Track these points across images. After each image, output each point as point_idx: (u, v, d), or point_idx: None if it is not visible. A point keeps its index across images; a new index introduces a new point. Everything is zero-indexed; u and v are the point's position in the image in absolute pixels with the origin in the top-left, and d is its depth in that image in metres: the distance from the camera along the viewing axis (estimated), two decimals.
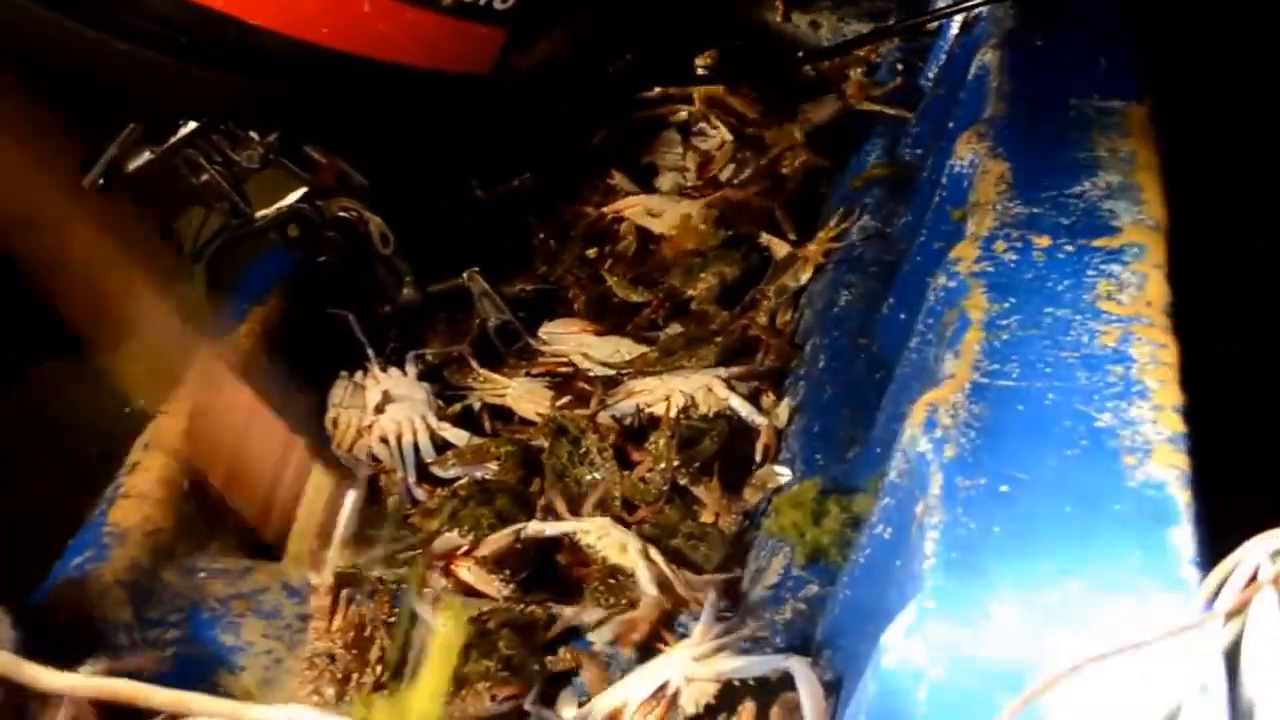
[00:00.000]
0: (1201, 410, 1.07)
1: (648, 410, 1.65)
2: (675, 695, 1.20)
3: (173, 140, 1.75)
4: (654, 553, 1.42)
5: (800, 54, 2.29)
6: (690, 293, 1.87)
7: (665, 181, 2.12)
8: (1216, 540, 0.97)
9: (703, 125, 2.22)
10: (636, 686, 1.23)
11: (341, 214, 1.75)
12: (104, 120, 1.76)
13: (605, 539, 1.45)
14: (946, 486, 1.04)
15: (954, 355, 1.18)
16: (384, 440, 1.64)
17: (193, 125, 1.74)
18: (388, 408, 1.66)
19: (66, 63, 1.55)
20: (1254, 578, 0.86)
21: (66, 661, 1.14)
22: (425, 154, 1.82)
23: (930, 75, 2.15)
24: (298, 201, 1.76)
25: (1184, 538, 0.97)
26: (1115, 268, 1.25)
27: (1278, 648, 0.83)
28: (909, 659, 0.93)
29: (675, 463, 1.53)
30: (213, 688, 1.21)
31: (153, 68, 1.52)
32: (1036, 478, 1.03)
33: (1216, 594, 0.88)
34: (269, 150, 1.75)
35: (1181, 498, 1.00)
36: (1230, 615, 0.87)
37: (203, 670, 1.29)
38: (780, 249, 1.92)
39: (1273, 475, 1.40)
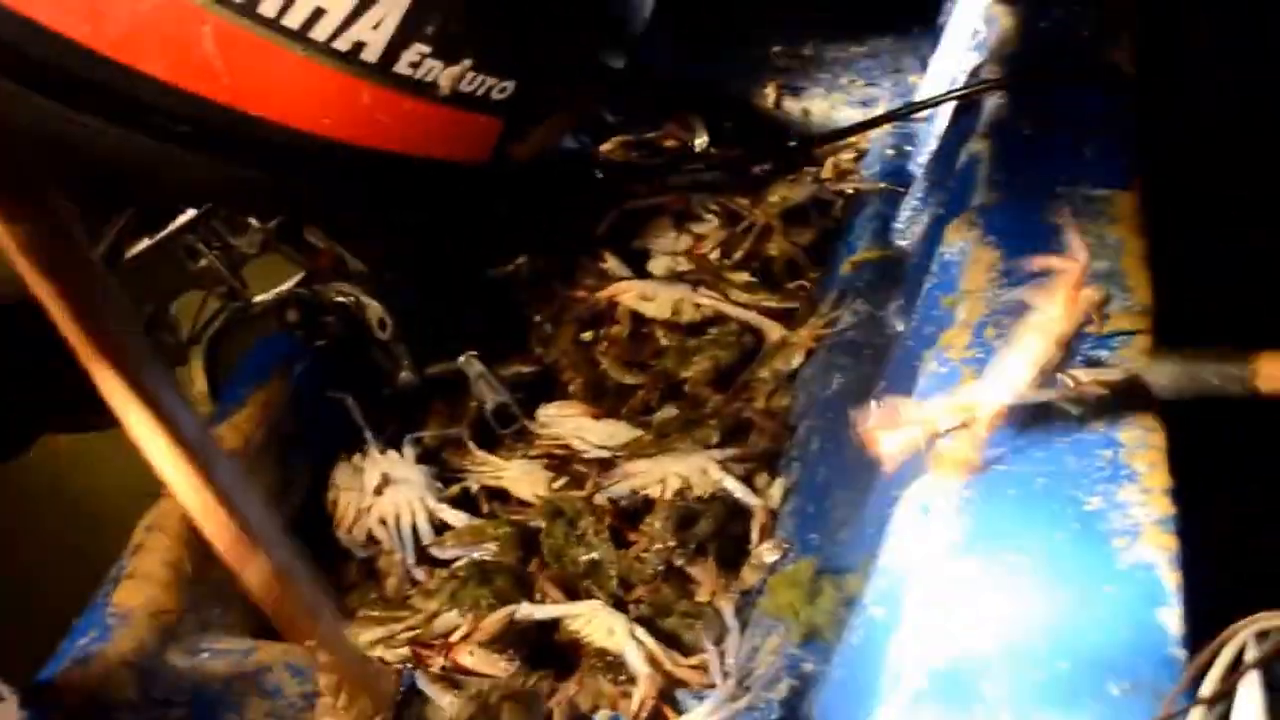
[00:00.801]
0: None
1: (643, 493, 1.68)
2: None
3: (172, 226, 1.81)
4: (640, 632, 1.46)
5: (793, 141, 2.33)
6: (684, 375, 1.91)
7: (658, 265, 2.16)
8: (1206, 621, 1.01)
9: (698, 210, 2.26)
10: None
11: (339, 299, 1.80)
12: (102, 207, 1.81)
13: (594, 622, 1.50)
14: (938, 569, 1.08)
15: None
16: (383, 522, 1.68)
17: (192, 212, 1.79)
18: (386, 490, 1.70)
19: (66, 150, 1.59)
20: (1240, 660, 0.90)
21: None
22: (423, 241, 1.87)
23: (920, 161, 2.20)
24: (296, 286, 1.80)
25: (1173, 617, 1.01)
26: (1103, 354, 1.29)
27: None
28: None
29: (671, 544, 1.57)
30: None
31: (154, 156, 1.55)
32: (1027, 561, 1.07)
33: (1202, 676, 0.92)
34: (267, 236, 1.80)
35: (1171, 579, 1.04)
36: (1213, 702, 0.90)
37: None
38: (773, 332, 1.96)
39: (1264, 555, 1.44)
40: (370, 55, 1.52)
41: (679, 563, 1.57)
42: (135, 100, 1.48)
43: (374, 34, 1.50)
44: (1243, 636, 0.90)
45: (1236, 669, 0.89)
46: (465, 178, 1.75)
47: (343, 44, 1.50)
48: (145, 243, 1.82)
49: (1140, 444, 1.17)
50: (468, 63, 1.58)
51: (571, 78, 1.79)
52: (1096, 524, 1.10)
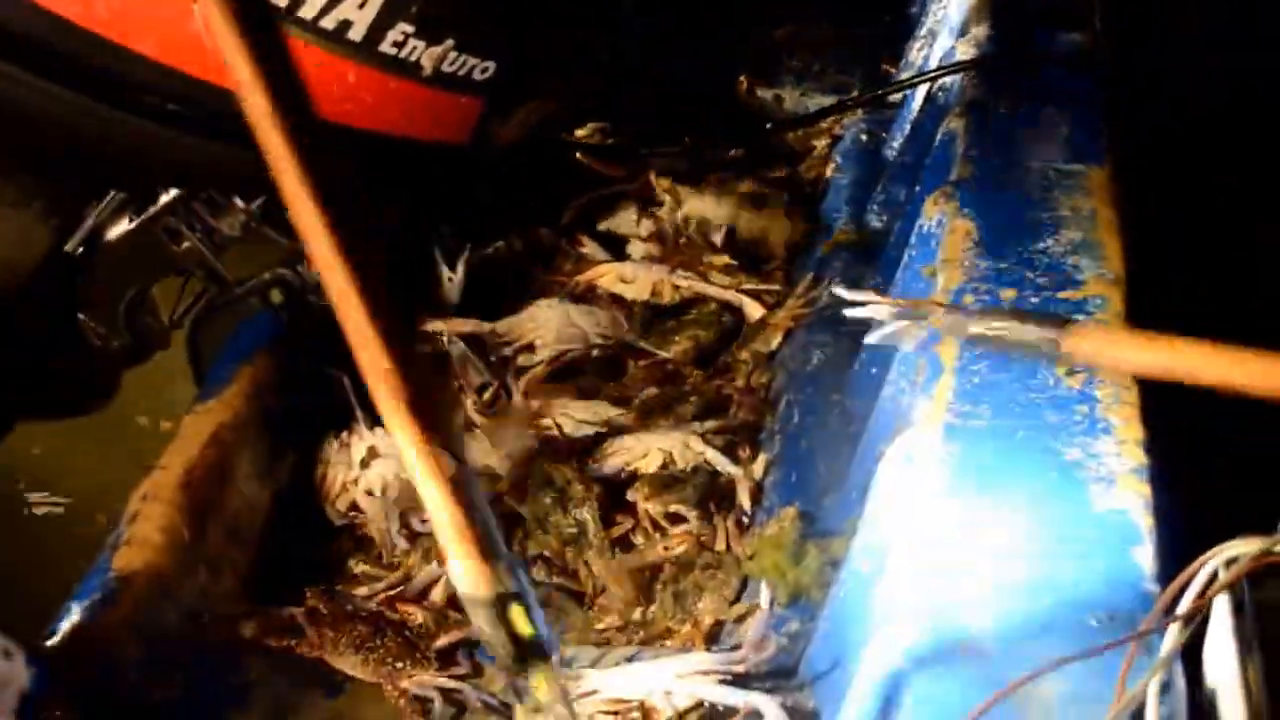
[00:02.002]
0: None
1: (630, 469, 1.75)
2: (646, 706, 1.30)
3: (154, 208, 1.85)
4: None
5: (768, 125, 2.40)
6: (665, 355, 1.98)
7: (636, 249, 2.22)
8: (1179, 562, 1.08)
9: (663, 196, 2.31)
10: (614, 681, 1.33)
11: None
12: (85, 189, 1.85)
13: None
14: (925, 516, 1.15)
15: (928, 398, 1.29)
16: (369, 493, 1.73)
17: (174, 193, 1.84)
18: (373, 463, 1.75)
19: (50, 129, 1.62)
20: (1211, 584, 0.97)
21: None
22: (405, 220, 1.92)
23: (894, 145, 2.27)
24: (280, 267, 1.85)
25: (1147, 556, 1.08)
26: (1079, 318, 1.36)
27: (1232, 646, 0.94)
28: (894, 669, 1.04)
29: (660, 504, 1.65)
30: None
31: (139, 135, 1.60)
32: (1009, 507, 1.14)
33: (1175, 602, 0.99)
34: (250, 217, 1.85)
35: (1144, 522, 1.11)
36: (1189, 619, 0.97)
37: (212, 706, 1.38)
38: (753, 311, 2.02)
39: (1235, 490, 1.51)
40: (356, 34, 1.57)
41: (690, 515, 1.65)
42: (125, 79, 1.53)
43: (360, 13, 1.56)
44: (1213, 564, 0.97)
45: (1207, 594, 0.96)
46: (445, 159, 1.81)
47: (329, 22, 1.56)
48: (126, 226, 1.85)
49: (1115, 399, 1.24)
50: (450, 42, 1.64)
51: (552, 60, 1.85)
52: (1074, 473, 1.17)
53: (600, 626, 1.61)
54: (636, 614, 1.59)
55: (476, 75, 1.71)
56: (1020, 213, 1.56)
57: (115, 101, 1.57)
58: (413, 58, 1.63)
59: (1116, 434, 1.20)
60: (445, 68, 1.67)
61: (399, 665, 1.43)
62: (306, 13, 1.54)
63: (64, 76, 1.53)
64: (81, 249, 1.88)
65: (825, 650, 1.32)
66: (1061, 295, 1.40)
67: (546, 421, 1.83)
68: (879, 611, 1.15)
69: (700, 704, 1.35)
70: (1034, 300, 1.40)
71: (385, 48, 1.60)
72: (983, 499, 1.15)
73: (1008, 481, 1.17)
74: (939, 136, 1.81)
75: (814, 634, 1.36)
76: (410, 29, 1.60)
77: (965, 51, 1.99)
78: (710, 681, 1.34)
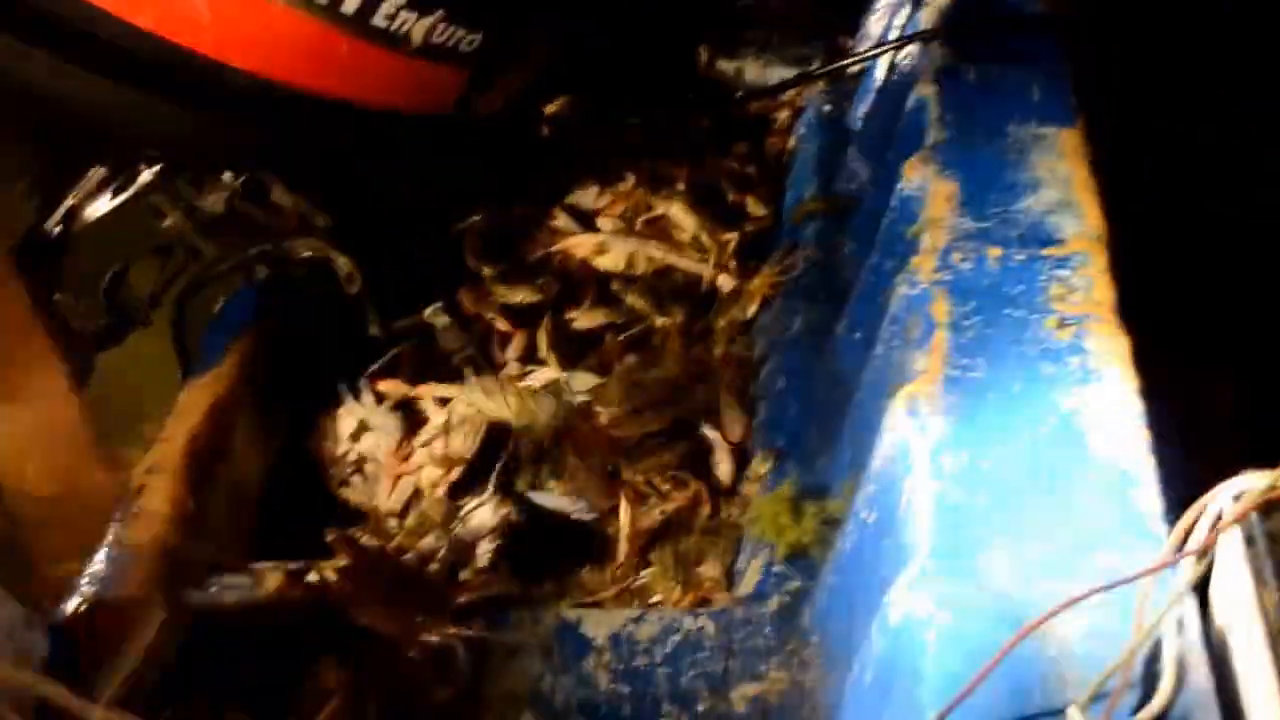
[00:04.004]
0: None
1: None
2: None
3: (136, 185, 1.86)
4: None
5: (735, 97, 2.43)
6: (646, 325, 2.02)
7: (607, 221, 2.25)
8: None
9: (622, 171, 2.34)
10: None
11: (308, 254, 1.87)
12: (64, 165, 1.86)
13: None
14: (933, 463, 1.19)
15: (924, 353, 1.34)
16: (360, 466, 1.76)
17: (156, 170, 1.85)
18: (363, 436, 1.78)
19: (27, 96, 1.63)
20: (1219, 519, 1.02)
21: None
22: (385, 193, 1.94)
23: (859, 114, 2.31)
24: (264, 243, 1.87)
25: (1152, 497, 1.13)
26: (1064, 273, 1.41)
27: (1244, 581, 0.99)
28: (915, 610, 1.08)
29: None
30: None
31: (120, 104, 1.61)
32: (1014, 453, 1.19)
33: (1187, 538, 1.04)
34: (233, 194, 1.87)
35: (1147, 464, 1.16)
36: (1200, 554, 1.02)
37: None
38: (728, 282, 2.06)
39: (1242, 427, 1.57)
40: (349, 7, 1.60)
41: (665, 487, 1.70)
42: (113, 48, 1.54)
43: None
44: (1221, 499, 1.02)
45: (1216, 528, 1.01)
46: (427, 129, 1.83)
47: None
48: (107, 204, 1.86)
49: (1107, 351, 1.29)
50: (440, 13, 1.66)
51: (536, 29, 1.87)
52: (1074, 420, 1.22)
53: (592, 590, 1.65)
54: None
55: (463, 46, 1.73)
56: (999, 174, 1.60)
57: (103, 70, 1.57)
58: (404, 30, 1.65)
59: (1111, 382, 1.25)
60: (434, 39, 1.69)
61: (419, 620, 1.46)
62: None
63: (51, 43, 1.54)
64: (60, 227, 1.88)
65: (834, 602, 1.36)
66: (1045, 252, 1.45)
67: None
68: (891, 558, 1.20)
69: None
70: (1019, 257, 1.45)
71: (378, 21, 1.62)
72: (988, 448, 1.20)
73: (1010, 431, 1.22)
74: (910, 103, 1.85)
75: (819, 588, 1.40)
76: (403, 1, 1.62)
77: (929, 19, 2.04)
78: None
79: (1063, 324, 1.33)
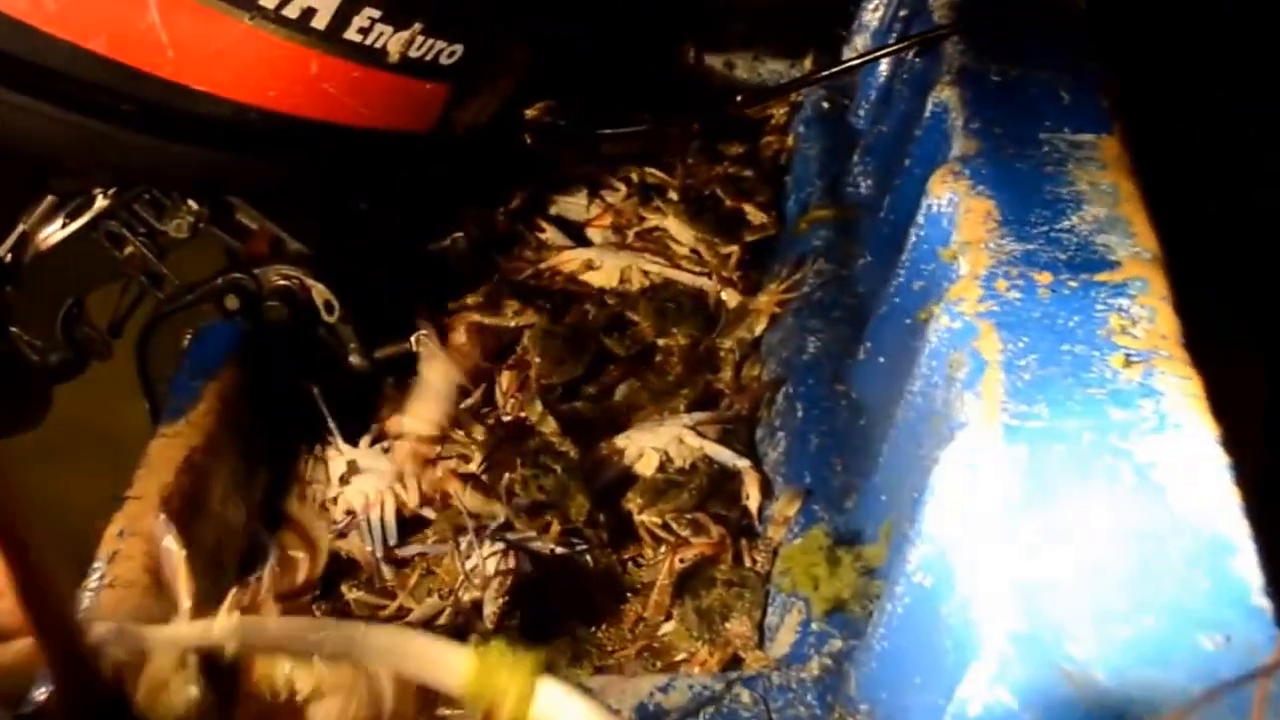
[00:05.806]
0: None
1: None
2: None
3: (92, 211, 1.75)
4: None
5: (736, 98, 2.31)
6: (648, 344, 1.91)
7: (597, 234, 2.15)
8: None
9: (610, 179, 2.24)
10: None
11: (282, 282, 1.75)
12: (16, 193, 1.76)
13: None
14: (1002, 529, 1.09)
15: (975, 396, 1.23)
16: (349, 513, 1.65)
17: (113, 195, 1.74)
18: (353, 480, 1.67)
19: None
20: None
21: None
22: (365, 216, 1.84)
23: (862, 113, 2.21)
24: (234, 271, 1.75)
25: (1250, 566, 1.03)
26: (1123, 302, 1.30)
27: None
28: (996, 707, 0.98)
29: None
30: None
31: (84, 134, 1.50)
32: (1091, 516, 1.09)
33: None
34: (199, 219, 1.75)
35: (1241, 529, 1.06)
36: None
37: None
38: (732, 298, 1.96)
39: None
40: (320, 22, 1.49)
41: (684, 532, 1.58)
42: (75, 78, 1.44)
43: None
44: None
45: None
46: (408, 148, 1.73)
47: (292, 10, 1.47)
48: (62, 231, 1.75)
49: (1180, 393, 1.19)
50: (418, 25, 1.55)
51: (519, 38, 1.77)
52: (1152, 475, 1.12)
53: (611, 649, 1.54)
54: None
55: (444, 60, 1.63)
56: (1037, 189, 1.50)
57: (65, 102, 1.47)
58: (379, 44, 1.54)
59: (1189, 431, 1.15)
60: (412, 53, 1.58)
61: None
62: (268, 0, 1.44)
63: (10, 76, 1.43)
64: (11, 256, 1.77)
65: (885, 671, 1.25)
66: (1099, 278, 1.35)
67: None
68: (956, 632, 1.09)
69: None
70: (1071, 284, 1.34)
71: (351, 35, 1.52)
72: (1060, 510, 1.09)
73: (1083, 488, 1.11)
74: (929, 107, 1.75)
75: (866, 652, 1.29)
76: (377, 13, 1.52)
77: (941, 13, 1.93)
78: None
79: (1129, 361, 1.23)
